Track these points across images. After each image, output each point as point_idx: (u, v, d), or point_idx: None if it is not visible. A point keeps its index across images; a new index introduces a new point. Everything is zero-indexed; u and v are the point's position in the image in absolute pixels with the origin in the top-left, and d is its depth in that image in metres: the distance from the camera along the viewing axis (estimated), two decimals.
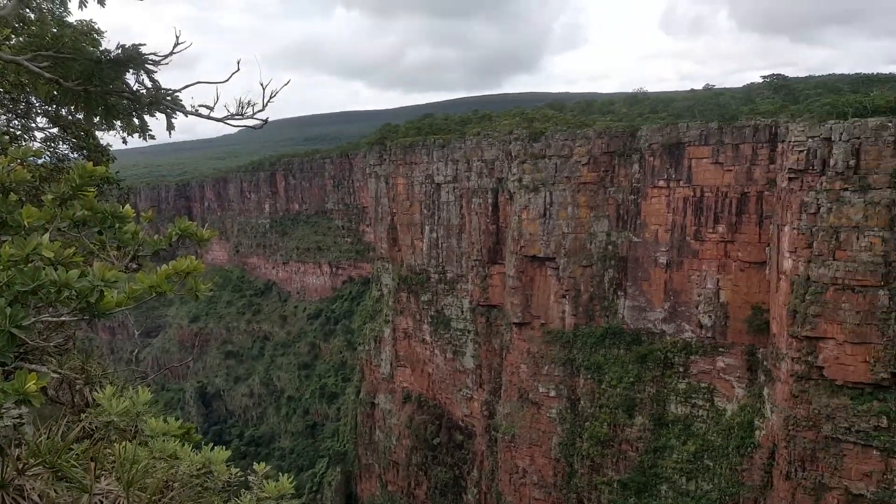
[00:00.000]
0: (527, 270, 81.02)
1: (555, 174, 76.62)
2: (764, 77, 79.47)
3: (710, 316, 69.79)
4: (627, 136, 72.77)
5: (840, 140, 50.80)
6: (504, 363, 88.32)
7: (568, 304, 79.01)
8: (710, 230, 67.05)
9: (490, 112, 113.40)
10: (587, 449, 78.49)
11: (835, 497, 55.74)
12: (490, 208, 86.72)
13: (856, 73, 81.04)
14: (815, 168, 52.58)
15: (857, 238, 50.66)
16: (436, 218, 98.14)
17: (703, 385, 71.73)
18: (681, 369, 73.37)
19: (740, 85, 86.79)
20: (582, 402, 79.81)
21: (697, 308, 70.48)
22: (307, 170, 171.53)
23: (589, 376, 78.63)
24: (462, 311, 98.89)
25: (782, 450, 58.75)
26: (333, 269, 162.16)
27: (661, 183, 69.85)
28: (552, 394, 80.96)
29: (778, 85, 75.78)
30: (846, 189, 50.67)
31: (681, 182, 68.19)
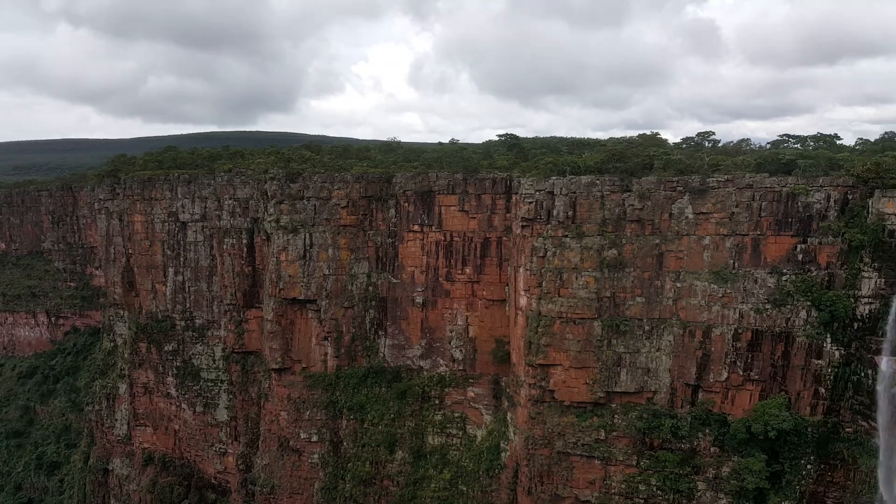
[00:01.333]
0: (286, 313, 78.84)
1: (314, 216, 76.42)
2: (499, 135, 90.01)
3: (461, 350, 75.27)
4: (384, 181, 75.94)
5: (560, 194, 59.36)
6: (262, 412, 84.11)
7: (330, 346, 78.62)
8: (460, 272, 72.79)
9: (243, 149, 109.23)
10: (350, 490, 78.13)
11: None
12: (245, 249, 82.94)
13: (571, 137, 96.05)
14: (542, 217, 60.51)
15: (576, 278, 59.29)
16: (181, 259, 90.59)
17: (456, 415, 76.63)
18: (437, 402, 77.51)
19: (481, 141, 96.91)
20: (345, 443, 79.48)
21: (450, 343, 75.53)
22: (17, 203, 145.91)
23: (352, 417, 78.79)
24: (214, 360, 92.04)
25: (524, 468, 65.08)
26: (53, 319, 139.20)
27: (416, 227, 74.05)
28: (314, 439, 79.26)
29: (511, 143, 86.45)
30: (566, 236, 59.17)
31: (433, 227, 73.09)
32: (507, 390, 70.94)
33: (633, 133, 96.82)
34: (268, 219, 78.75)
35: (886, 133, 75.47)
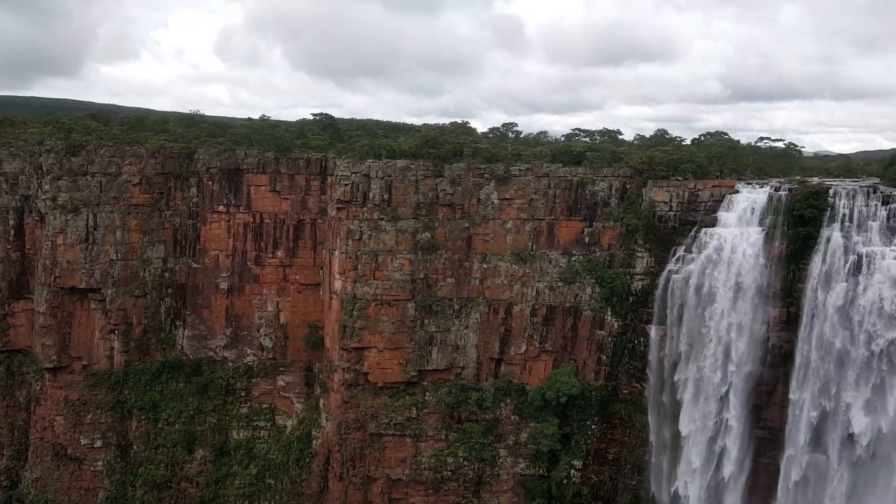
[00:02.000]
0: (63, 305, 69.14)
1: (100, 194, 67.99)
2: (314, 115, 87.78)
3: (270, 338, 72.30)
4: (184, 157, 70.12)
5: (376, 177, 59.84)
6: (32, 419, 72.97)
7: (118, 340, 70.58)
8: (271, 255, 69.85)
9: (13, 116, 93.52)
10: (141, 496, 71.01)
11: (379, 486, 64.01)
12: (13, 232, 71.23)
13: (387, 121, 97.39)
14: (358, 200, 60.50)
15: (392, 260, 60.22)
16: None
17: (264, 406, 73.45)
18: (243, 394, 73.58)
19: (294, 119, 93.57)
20: (135, 446, 71.99)
21: (259, 331, 72.15)
22: None
23: (144, 417, 71.62)
24: None
25: (336, 454, 64.53)
26: None
27: (221, 208, 69.54)
28: (98, 444, 70.69)
29: (326, 123, 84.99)
30: (382, 219, 59.83)
31: (241, 208, 69.23)
32: (320, 376, 69.72)
33: (446, 120, 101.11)
34: (42, 197, 68.45)
35: (658, 130, 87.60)
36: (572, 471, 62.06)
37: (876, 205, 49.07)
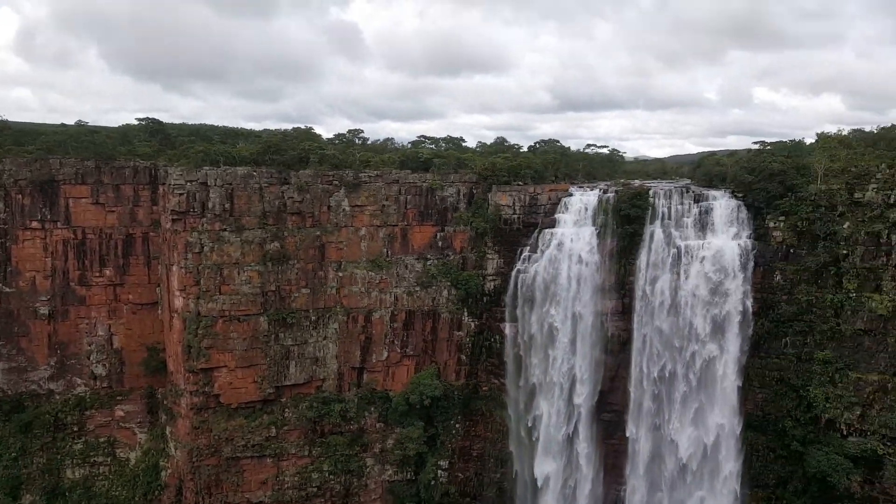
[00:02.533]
0: None
1: None
2: (139, 119, 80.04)
3: (103, 364, 65.41)
4: None
5: (215, 185, 55.63)
6: None
7: None
8: (97, 274, 62.92)
9: None
10: None
11: None
12: None
13: (223, 126, 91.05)
14: (196, 210, 55.92)
15: (238, 273, 56.53)
16: None
17: (102, 440, 66.53)
18: (76, 428, 66.09)
19: (116, 125, 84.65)
20: None
21: (89, 358, 64.95)
22: None
23: None
24: None
25: (188, 483, 59.98)
26: None
27: (35, 224, 61.33)
28: None
29: (154, 129, 77.75)
30: (225, 229, 55.85)
31: (58, 223, 61.51)
32: (165, 402, 64.15)
33: (287, 126, 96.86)
34: None
35: (498, 138, 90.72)
36: (439, 471, 62.72)
37: (689, 203, 54.36)
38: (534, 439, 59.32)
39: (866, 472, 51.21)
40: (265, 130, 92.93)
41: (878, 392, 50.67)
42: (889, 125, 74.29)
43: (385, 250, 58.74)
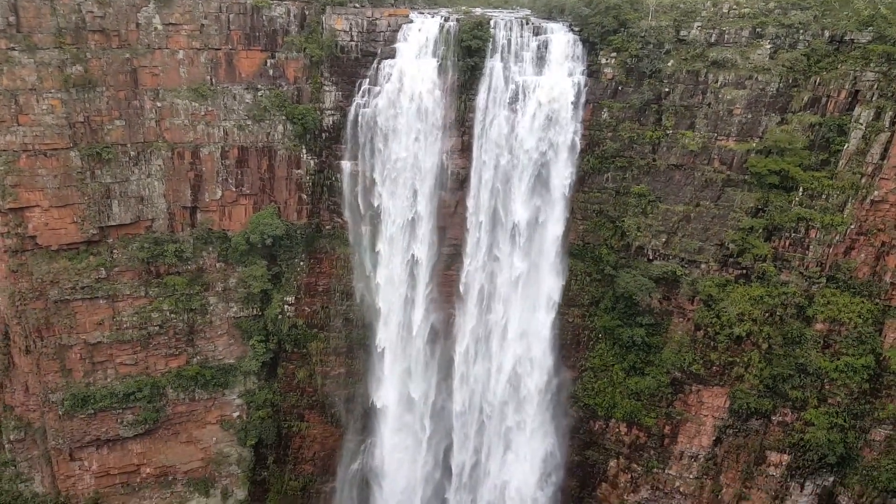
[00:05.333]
0: None
1: None
2: None
3: None
4: None
5: None
6: None
7: None
8: None
9: None
10: None
11: (76, 352, 59.11)
12: None
13: None
14: None
15: (37, 101, 50.25)
16: None
17: None
18: None
19: None
20: None
21: None
22: None
23: None
24: None
25: (15, 327, 57.30)
26: None
27: None
28: None
29: None
30: (13, 48, 48.52)
31: None
32: None
33: None
34: None
35: None
36: (286, 306, 63.72)
37: (529, 36, 53.17)
38: (377, 274, 61.03)
39: (665, 291, 57.84)
40: None
41: (681, 221, 55.87)
42: None
43: (209, 77, 53.85)
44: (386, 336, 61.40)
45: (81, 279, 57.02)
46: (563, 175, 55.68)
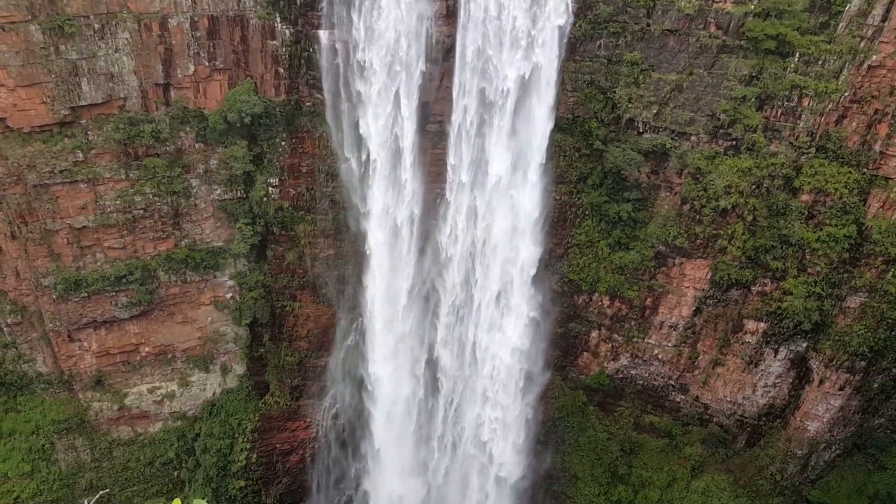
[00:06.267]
0: None
1: None
2: None
3: None
4: None
5: None
6: None
7: None
8: None
9: None
10: None
11: (63, 237, 58.91)
12: None
13: None
14: None
15: None
16: None
17: None
18: None
19: None
20: None
21: None
22: None
23: None
24: None
25: None
26: None
27: None
28: None
29: None
30: None
31: None
32: None
33: None
34: None
35: None
36: (270, 188, 63.01)
37: None
38: (361, 151, 59.75)
39: (654, 165, 57.26)
40: None
41: (674, 91, 54.21)
42: None
43: None
44: (371, 223, 61.20)
45: (59, 162, 55.71)
46: (552, 43, 53.06)
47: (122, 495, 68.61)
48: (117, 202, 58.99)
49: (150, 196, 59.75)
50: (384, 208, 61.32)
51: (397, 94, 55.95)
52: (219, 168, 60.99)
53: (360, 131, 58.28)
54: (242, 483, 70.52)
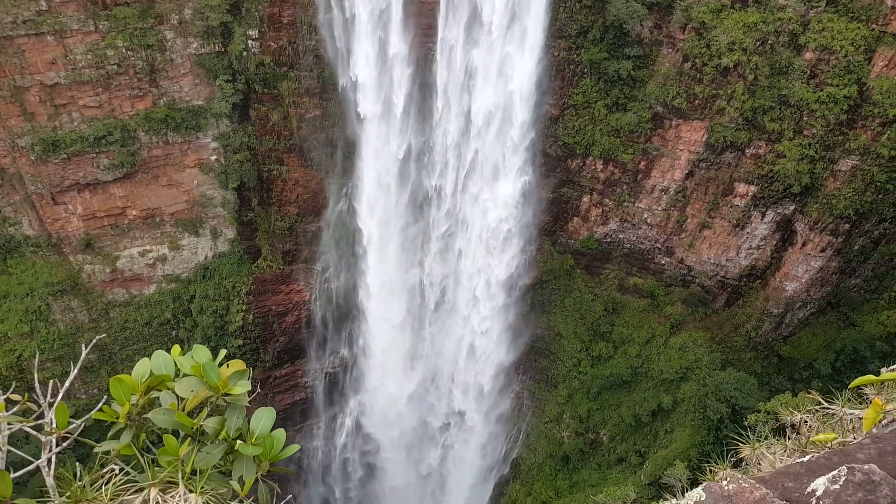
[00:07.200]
0: None
1: None
2: None
3: None
4: None
5: None
6: None
7: None
8: None
9: None
10: None
11: (34, 94, 56.09)
12: None
13: None
14: None
15: None
16: None
17: None
18: None
19: None
20: None
21: None
22: None
23: None
24: None
25: None
26: None
27: None
28: None
29: None
30: None
31: None
32: None
33: None
34: None
35: None
36: (249, 41, 59.43)
37: None
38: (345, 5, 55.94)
39: (657, 18, 54.41)
40: None
41: None
42: None
43: None
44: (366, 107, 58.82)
45: (21, 12, 51.72)
46: None
47: (123, 353, 70.89)
48: (88, 57, 55.57)
49: (123, 50, 56.25)
50: (369, 71, 58.43)
51: None
52: (194, 18, 57.09)
53: None
54: (241, 342, 72.95)
